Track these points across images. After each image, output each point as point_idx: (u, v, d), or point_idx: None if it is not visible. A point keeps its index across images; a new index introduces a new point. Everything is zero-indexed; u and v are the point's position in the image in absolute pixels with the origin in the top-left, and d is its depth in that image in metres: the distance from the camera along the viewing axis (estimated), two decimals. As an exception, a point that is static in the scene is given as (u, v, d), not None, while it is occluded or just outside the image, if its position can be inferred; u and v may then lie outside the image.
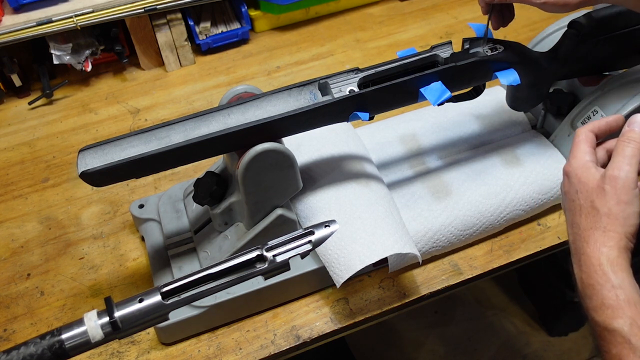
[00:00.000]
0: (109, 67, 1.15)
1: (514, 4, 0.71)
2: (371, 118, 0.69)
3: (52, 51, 1.04)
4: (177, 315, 0.68)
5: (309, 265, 0.72)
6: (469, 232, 0.76)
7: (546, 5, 0.65)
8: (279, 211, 0.68)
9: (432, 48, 0.72)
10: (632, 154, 0.55)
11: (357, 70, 0.69)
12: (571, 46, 0.75)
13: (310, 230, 0.52)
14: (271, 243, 0.52)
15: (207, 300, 0.68)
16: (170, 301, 0.49)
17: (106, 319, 0.48)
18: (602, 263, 0.52)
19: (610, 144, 0.59)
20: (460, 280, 0.75)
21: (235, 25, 1.17)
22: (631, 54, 0.79)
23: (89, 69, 1.08)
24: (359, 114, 0.68)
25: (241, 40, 1.19)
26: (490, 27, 0.72)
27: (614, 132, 0.60)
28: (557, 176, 0.79)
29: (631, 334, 0.48)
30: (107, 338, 0.48)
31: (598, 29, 0.74)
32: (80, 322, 0.48)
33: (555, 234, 0.79)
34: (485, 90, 0.76)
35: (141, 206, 0.81)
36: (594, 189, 0.55)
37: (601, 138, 0.60)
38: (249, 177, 0.64)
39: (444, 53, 0.72)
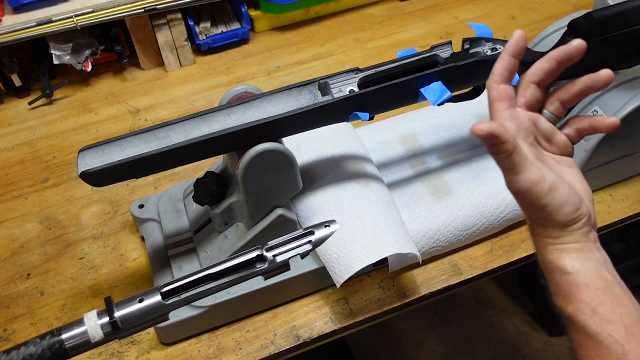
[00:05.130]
0: (109, 67, 1.15)
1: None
2: (371, 118, 0.69)
3: (52, 51, 1.04)
4: (177, 315, 0.68)
5: (309, 265, 0.72)
6: (469, 232, 0.76)
7: None
8: (279, 211, 0.68)
9: (432, 48, 0.72)
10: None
11: (357, 70, 0.69)
12: (571, 46, 0.75)
13: (310, 230, 0.52)
14: (271, 243, 0.52)
15: (207, 300, 0.68)
16: (170, 301, 0.49)
17: (106, 319, 0.48)
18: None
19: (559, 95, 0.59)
20: (460, 280, 0.75)
21: (235, 25, 1.18)
22: (631, 54, 0.79)
23: (89, 69, 1.08)
24: (359, 114, 0.68)
25: (241, 40, 1.19)
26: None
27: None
28: (557, 176, 0.79)
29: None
30: (107, 338, 0.48)
31: (598, 29, 0.74)
32: (80, 322, 0.48)
33: (555, 234, 0.79)
34: (485, 90, 0.76)
35: (141, 206, 0.81)
36: None
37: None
38: (249, 177, 0.64)
39: (444, 53, 0.72)
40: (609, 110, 0.76)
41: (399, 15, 1.24)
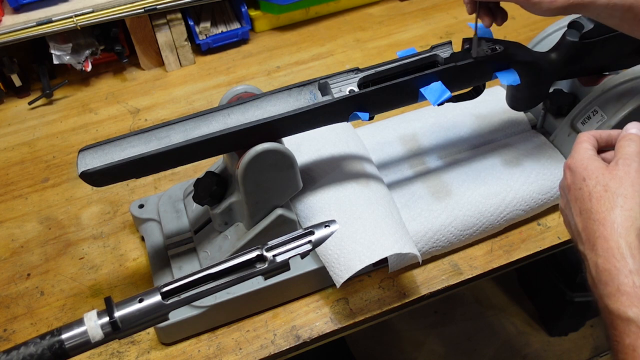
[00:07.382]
0: (109, 67, 1.15)
1: (508, 4, 0.70)
2: (371, 118, 0.69)
3: (52, 51, 1.04)
4: (177, 315, 0.68)
5: (309, 265, 0.72)
6: (469, 232, 0.76)
7: (528, 3, 0.64)
8: (279, 211, 0.68)
9: (432, 48, 0.72)
10: (636, 150, 0.53)
11: (357, 70, 0.69)
12: (571, 46, 0.75)
13: (310, 230, 0.52)
14: (271, 243, 0.52)
15: (207, 300, 0.68)
16: (170, 301, 0.49)
17: (106, 319, 0.48)
18: (620, 246, 0.48)
19: (609, 154, 0.57)
20: (460, 280, 0.75)
21: (235, 25, 1.18)
22: (631, 54, 0.79)
23: (89, 69, 1.08)
24: (359, 114, 0.68)
25: (241, 40, 1.19)
26: (481, 24, 0.71)
27: (613, 145, 0.57)
28: (557, 176, 0.79)
29: None
30: (107, 338, 0.48)
31: (598, 28, 0.74)
32: (80, 322, 0.48)
33: (555, 234, 0.79)
34: (485, 90, 0.76)
35: (141, 206, 0.81)
36: (606, 175, 0.52)
37: (601, 146, 0.58)
38: (249, 177, 0.64)
39: (444, 53, 0.72)
40: (609, 110, 0.76)
41: (399, 15, 1.24)
